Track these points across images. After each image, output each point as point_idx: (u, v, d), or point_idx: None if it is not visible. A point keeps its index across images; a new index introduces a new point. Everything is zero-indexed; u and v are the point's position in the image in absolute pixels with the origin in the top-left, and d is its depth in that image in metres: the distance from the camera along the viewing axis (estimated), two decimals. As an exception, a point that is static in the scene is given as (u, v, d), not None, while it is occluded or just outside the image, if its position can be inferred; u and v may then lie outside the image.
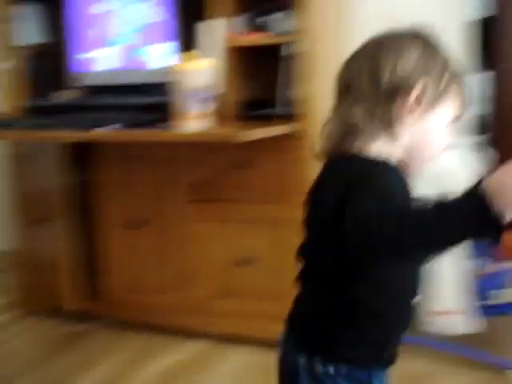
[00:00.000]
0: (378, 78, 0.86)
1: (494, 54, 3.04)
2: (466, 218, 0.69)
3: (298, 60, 1.98)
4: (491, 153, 2.20)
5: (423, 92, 0.86)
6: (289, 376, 0.92)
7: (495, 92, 3.13)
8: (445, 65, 0.89)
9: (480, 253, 2.31)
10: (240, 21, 2.18)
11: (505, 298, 1.97)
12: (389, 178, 0.83)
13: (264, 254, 2.14)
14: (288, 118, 2.03)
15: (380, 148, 0.87)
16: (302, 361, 0.90)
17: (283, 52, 2.01)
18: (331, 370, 0.88)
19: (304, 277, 0.95)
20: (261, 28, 2.12)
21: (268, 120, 2.04)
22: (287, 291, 2.11)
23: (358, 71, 0.88)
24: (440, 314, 1.95)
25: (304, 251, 0.94)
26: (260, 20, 2.12)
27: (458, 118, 0.93)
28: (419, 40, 0.89)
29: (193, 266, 2.27)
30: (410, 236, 0.71)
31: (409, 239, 0.71)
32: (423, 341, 2.11)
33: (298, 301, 0.97)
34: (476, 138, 3.03)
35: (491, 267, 2.19)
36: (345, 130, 0.88)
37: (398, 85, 0.85)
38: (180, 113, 1.95)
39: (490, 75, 3.27)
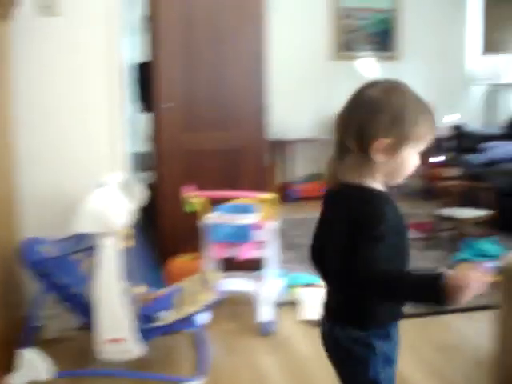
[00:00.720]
0: (360, 131, 1.19)
1: (153, 95, 3.31)
2: (423, 299, 1.17)
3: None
4: (143, 189, 2.37)
5: (394, 138, 1.18)
6: (334, 345, 1.28)
7: (154, 131, 3.40)
8: (414, 111, 1.20)
9: (149, 279, 2.48)
10: None
11: (172, 318, 2.15)
12: (384, 212, 1.17)
13: None
14: None
15: (369, 179, 1.23)
16: (340, 333, 1.25)
17: None
18: (361, 333, 1.24)
19: (330, 278, 1.29)
20: None
21: None
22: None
23: (346, 124, 1.22)
24: (110, 341, 2.03)
25: (319, 259, 1.31)
26: None
27: (426, 146, 1.24)
28: (390, 95, 1.20)
29: None
30: (380, 295, 1.18)
31: (378, 295, 1.18)
32: (100, 370, 2.17)
33: (331, 295, 1.31)
34: (133, 175, 3.23)
35: (159, 291, 2.38)
36: (343, 168, 1.25)
37: (374, 135, 1.18)
38: None
39: (150, 115, 3.53)
